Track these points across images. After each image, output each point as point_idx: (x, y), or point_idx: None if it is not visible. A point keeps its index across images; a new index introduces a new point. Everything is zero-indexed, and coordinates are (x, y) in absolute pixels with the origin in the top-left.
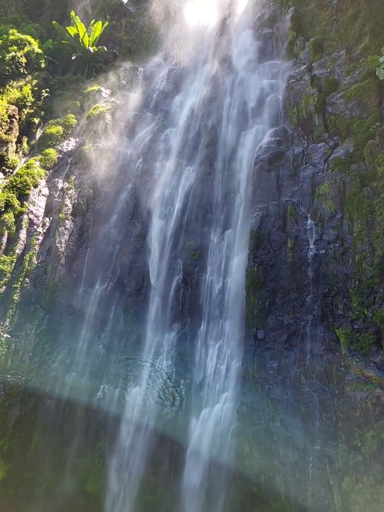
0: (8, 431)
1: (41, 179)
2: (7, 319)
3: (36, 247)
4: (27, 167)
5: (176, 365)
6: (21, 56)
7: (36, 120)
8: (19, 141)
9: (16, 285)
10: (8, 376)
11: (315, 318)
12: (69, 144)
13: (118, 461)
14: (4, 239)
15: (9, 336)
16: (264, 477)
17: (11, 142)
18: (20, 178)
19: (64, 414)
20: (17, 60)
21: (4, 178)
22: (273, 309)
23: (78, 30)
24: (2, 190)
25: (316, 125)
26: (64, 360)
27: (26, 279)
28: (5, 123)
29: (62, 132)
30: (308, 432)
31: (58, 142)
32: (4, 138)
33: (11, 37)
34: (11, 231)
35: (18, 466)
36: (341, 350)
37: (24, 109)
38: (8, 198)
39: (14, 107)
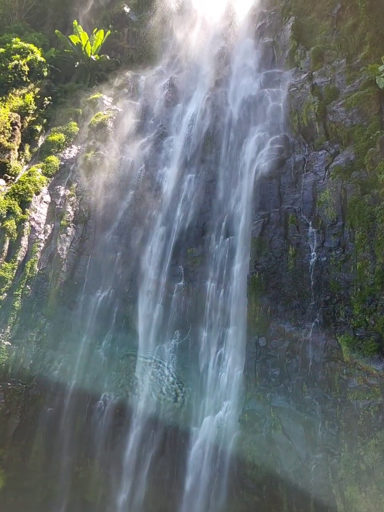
0: (8, 439)
1: (43, 186)
2: (8, 327)
3: (38, 254)
4: (29, 174)
5: (178, 372)
6: (24, 65)
7: (38, 128)
8: (21, 149)
9: (17, 292)
10: (9, 384)
11: (316, 326)
12: (71, 152)
13: (119, 469)
14: (6, 246)
15: (10, 344)
16: (266, 486)
17: (13, 149)
18: (22, 185)
19: (64, 422)
20: (20, 69)
21: (6, 185)
22: (274, 316)
23: (80, 39)
24: (4, 197)
25: (317, 133)
26: (65, 368)
27: (27, 286)
28: (7, 131)
29: (64, 140)
30: (310, 440)
31: (60, 150)
32: (6, 145)
33: (14, 45)
34: (12, 238)
35: (18, 475)
36: (343, 357)
37: (26, 117)
38: (10, 205)
39: (16, 114)
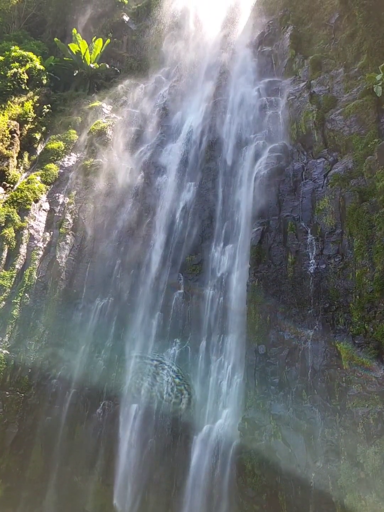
0: (6, 449)
1: (41, 194)
2: (6, 335)
3: (36, 262)
4: (28, 182)
5: (177, 381)
6: (23, 73)
7: (37, 136)
8: (20, 156)
9: (15, 301)
10: (7, 392)
11: (316, 333)
12: (70, 159)
13: (117, 479)
14: (4, 254)
15: (8, 352)
16: (266, 495)
17: (12, 157)
18: (21, 193)
19: (63, 432)
20: (19, 77)
21: (5, 193)
22: (274, 324)
23: (80, 47)
24: (3, 205)
25: (315, 141)
26: (63, 376)
27: (26, 294)
28: (6, 139)
29: (63, 148)
30: (310, 448)
31: (59, 157)
32: (5, 153)
33: (13, 54)
34: (11, 246)
35: (16, 485)
36: (342, 365)
37: (25, 125)
38: (8, 213)
39: (15, 122)
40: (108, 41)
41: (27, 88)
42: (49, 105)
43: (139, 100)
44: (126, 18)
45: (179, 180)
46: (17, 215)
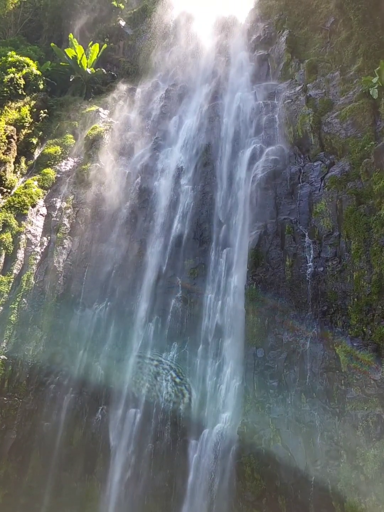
0: (4, 455)
1: (39, 198)
2: (4, 340)
3: (34, 267)
4: (25, 187)
5: (175, 385)
6: (20, 78)
7: (34, 140)
8: (17, 161)
9: (13, 306)
10: (5, 398)
11: (314, 336)
12: (67, 164)
13: (116, 485)
14: (2, 259)
15: (5, 358)
16: (266, 499)
17: (9, 162)
18: (18, 198)
19: (62, 437)
20: (15, 82)
21: (2, 198)
22: (272, 327)
23: (76, 52)
24: (0, 210)
25: (312, 144)
26: (61, 382)
27: (24, 299)
28: (3, 144)
29: (60, 152)
30: (310, 451)
31: (56, 162)
32: (2, 158)
33: (9, 59)
34: (8, 251)
35: (14, 492)
36: (341, 368)
37: (22, 130)
38: (5, 218)
39: (12, 127)
40: (104, 46)
41: (24, 93)
42: (46, 110)
43: (136, 104)
44: (122, 23)
45: (176, 183)
46: (15, 220)
